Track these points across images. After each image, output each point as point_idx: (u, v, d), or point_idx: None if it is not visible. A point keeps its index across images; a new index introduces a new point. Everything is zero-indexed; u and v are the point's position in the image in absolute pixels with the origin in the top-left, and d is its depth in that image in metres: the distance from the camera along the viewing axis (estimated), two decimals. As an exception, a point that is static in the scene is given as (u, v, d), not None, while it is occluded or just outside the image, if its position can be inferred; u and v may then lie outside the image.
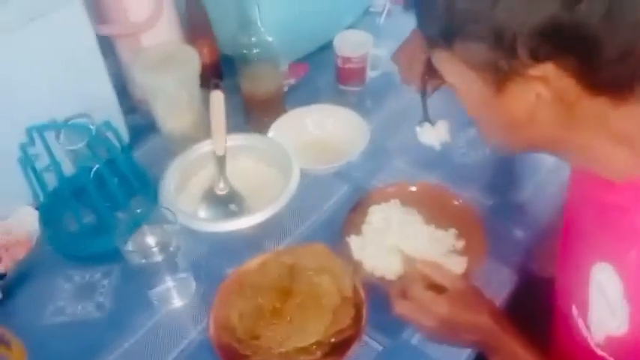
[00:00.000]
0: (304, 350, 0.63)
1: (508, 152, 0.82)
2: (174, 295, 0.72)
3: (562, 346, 0.63)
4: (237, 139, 0.84)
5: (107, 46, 0.90)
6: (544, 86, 0.45)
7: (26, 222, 0.78)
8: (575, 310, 0.57)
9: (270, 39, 0.87)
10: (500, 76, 0.47)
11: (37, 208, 0.80)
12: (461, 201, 0.79)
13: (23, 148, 0.74)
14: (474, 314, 0.61)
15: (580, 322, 0.56)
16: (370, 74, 1.02)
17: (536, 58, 0.44)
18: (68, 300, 0.73)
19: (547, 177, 0.86)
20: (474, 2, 0.44)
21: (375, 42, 1.00)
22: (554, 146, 0.53)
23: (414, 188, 0.82)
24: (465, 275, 0.70)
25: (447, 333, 0.62)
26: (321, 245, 0.73)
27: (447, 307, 0.60)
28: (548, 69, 0.44)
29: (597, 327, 0.53)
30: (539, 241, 0.78)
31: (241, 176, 0.82)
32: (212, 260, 0.76)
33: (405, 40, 0.87)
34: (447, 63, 0.51)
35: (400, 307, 0.63)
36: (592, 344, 0.54)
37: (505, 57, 0.45)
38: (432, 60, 0.54)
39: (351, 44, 0.98)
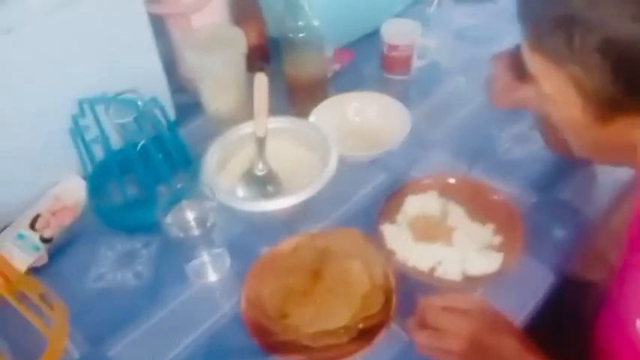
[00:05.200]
0: (331, 333, 0.64)
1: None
2: (209, 269, 0.74)
3: (613, 355, 0.60)
4: (278, 122, 0.85)
5: (159, 26, 0.92)
6: None
7: (74, 190, 0.81)
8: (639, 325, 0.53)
9: (316, 23, 0.87)
10: (610, 111, 0.45)
11: (84, 178, 0.83)
12: (500, 196, 0.78)
13: (74, 119, 0.77)
14: (499, 335, 0.58)
15: None
16: (416, 64, 1.01)
17: None
18: (109, 267, 0.76)
19: (593, 176, 0.83)
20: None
21: (424, 32, 0.99)
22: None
23: (452, 181, 0.81)
24: (499, 275, 0.69)
25: (474, 357, 0.58)
26: (355, 230, 0.73)
27: (473, 327, 0.57)
28: None
29: None
30: (582, 242, 0.76)
31: (280, 158, 0.83)
32: (247, 238, 0.78)
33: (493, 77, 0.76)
34: (549, 75, 0.48)
35: (422, 338, 0.59)
36: None
37: (629, 96, 0.43)
38: (525, 59, 0.50)
39: (398, 32, 0.97)
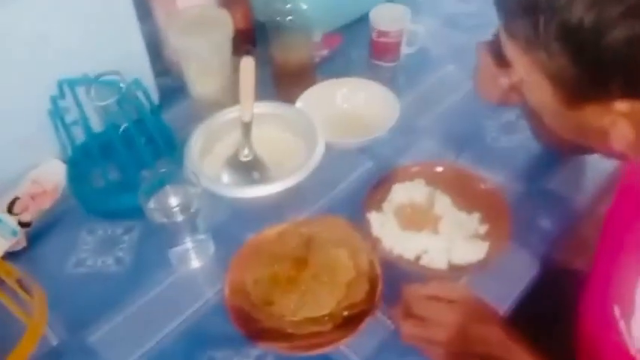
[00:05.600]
0: (316, 321, 0.63)
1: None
2: (193, 256, 0.73)
3: (592, 343, 0.61)
4: (265, 107, 0.84)
5: (143, 7, 0.90)
6: (626, 120, 0.44)
7: (53, 174, 0.79)
8: (617, 311, 0.54)
9: (304, 7, 0.85)
10: (577, 97, 0.46)
11: (64, 161, 0.81)
12: (487, 185, 0.77)
13: (53, 100, 0.75)
14: (485, 324, 0.58)
15: (622, 325, 0.53)
16: (405, 50, 1.00)
17: (630, 95, 0.42)
18: (90, 252, 0.75)
19: (580, 166, 0.83)
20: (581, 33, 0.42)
21: (413, 18, 0.98)
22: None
23: (440, 169, 0.80)
24: (484, 264, 0.69)
25: (459, 346, 0.58)
26: (341, 219, 0.72)
27: (459, 316, 0.58)
28: (637, 107, 0.42)
29: None
30: (566, 232, 0.76)
31: (266, 144, 0.82)
32: (232, 225, 0.77)
33: (478, 66, 0.73)
34: (521, 60, 0.48)
35: (407, 328, 0.59)
36: (632, 350, 0.51)
37: (592, 82, 0.44)
38: (503, 45, 0.51)
39: (387, 18, 0.95)
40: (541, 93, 0.49)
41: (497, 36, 0.53)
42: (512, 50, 0.49)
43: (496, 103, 0.70)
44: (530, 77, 0.49)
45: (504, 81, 0.57)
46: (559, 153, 0.82)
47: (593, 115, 0.47)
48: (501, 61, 0.52)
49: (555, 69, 0.45)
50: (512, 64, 0.51)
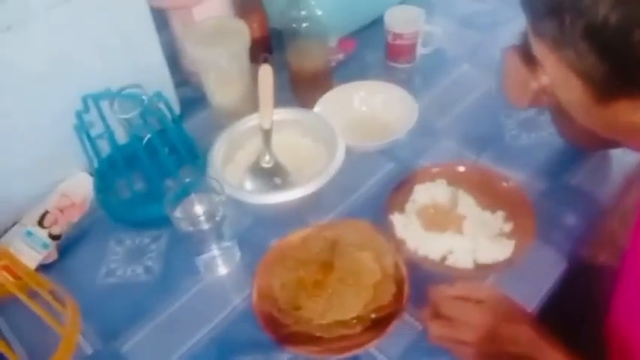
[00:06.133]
0: (344, 324, 0.64)
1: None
2: (220, 263, 0.74)
3: (626, 340, 0.60)
4: (284, 114, 0.84)
5: (161, 20, 0.92)
6: None
7: (81, 186, 0.81)
8: None
9: (319, 13, 0.86)
10: (607, 94, 0.46)
11: (91, 174, 0.83)
12: (510, 183, 0.77)
13: (79, 115, 0.77)
14: (514, 324, 0.58)
15: None
16: (421, 51, 1.00)
17: None
18: (119, 262, 0.76)
19: (603, 161, 0.82)
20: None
21: (428, 18, 0.98)
22: None
23: (461, 169, 0.80)
24: (510, 263, 0.69)
25: (489, 346, 0.57)
26: (364, 222, 0.73)
27: (487, 316, 0.57)
28: None
29: None
30: (592, 227, 0.75)
31: (287, 150, 0.83)
32: (256, 231, 0.78)
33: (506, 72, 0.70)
34: (549, 58, 0.48)
35: (436, 329, 0.59)
36: None
37: (621, 80, 0.44)
38: (531, 47, 0.50)
39: (402, 20, 0.96)
40: (570, 90, 0.49)
41: (523, 38, 0.53)
42: (539, 48, 0.49)
43: (527, 106, 0.69)
44: (559, 75, 0.48)
45: (535, 85, 0.56)
46: (585, 150, 0.82)
47: (625, 111, 0.46)
48: (530, 63, 0.52)
49: (584, 67, 0.45)
50: (541, 64, 0.50)
